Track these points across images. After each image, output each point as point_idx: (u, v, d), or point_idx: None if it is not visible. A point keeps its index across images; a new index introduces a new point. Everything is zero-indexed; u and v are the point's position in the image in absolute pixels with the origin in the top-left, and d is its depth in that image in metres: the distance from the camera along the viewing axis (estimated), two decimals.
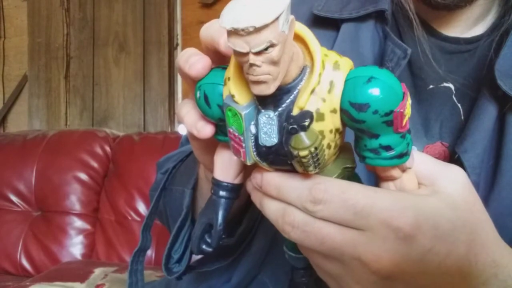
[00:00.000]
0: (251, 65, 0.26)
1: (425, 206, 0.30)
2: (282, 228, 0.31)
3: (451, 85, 0.51)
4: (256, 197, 0.34)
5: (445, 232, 0.30)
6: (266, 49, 0.25)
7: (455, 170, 0.32)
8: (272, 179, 0.32)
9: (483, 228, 0.32)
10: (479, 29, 0.51)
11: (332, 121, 0.29)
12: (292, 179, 0.31)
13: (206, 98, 0.32)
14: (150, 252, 1.37)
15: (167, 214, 0.61)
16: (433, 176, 0.32)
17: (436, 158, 0.34)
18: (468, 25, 0.51)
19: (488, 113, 0.46)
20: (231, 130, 0.31)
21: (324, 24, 0.54)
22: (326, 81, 0.28)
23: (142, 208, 1.45)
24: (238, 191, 0.37)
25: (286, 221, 0.31)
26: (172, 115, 1.92)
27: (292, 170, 0.31)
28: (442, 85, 0.52)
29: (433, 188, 0.31)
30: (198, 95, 0.33)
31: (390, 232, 0.28)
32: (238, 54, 0.26)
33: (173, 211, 0.58)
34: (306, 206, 0.30)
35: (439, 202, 0.30)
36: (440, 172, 0.32)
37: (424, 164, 0.32)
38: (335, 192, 0.29)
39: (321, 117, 0.28)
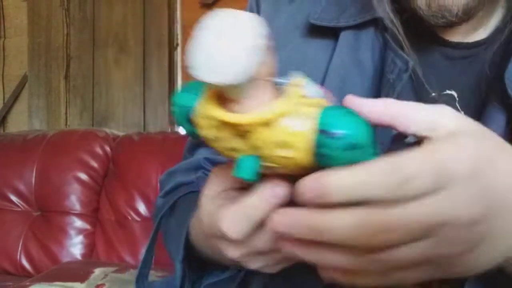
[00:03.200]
0: None
1: (466, 143, 0.30)
2: (369, 239, 0.27)
3: (454, 93, 0.50)
4: (309, 227, 0.28)
5: (493, 158, 0.30)
6: None
7: (443, 106, 0.32)
8: (337, 180, 0.27)
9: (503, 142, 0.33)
10: (481, 34, 0.50)
11: None
12: (357, 171, 0.27)
13: None
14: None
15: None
16: (431, 119, 0.31)
17: None
18: (470, 30, 0.50)
19: (497, 122, 0.45)
20: None
21: (321, 33, 0.53)
22: None
23: (142, 208, 1.45)
24: None
25: (375, 225, 0.27)
26: (172, 115, 1.91)
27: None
28: (445, 92, 0.51)
29: (443, 128, 0.31)
30: None
31: (465, 180, 0.28)
32: None
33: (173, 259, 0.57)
34: (396, 193, 0.27)
35: (468, 137, 0.30)
36: (435, 113, 0.31)
37: (416, 111, 0.32)
38: (414, 165, 0.27)
39: None
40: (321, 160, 0.29)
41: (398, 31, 0.48)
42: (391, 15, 0.48)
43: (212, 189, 0.38)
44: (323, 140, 0.28)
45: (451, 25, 0.46)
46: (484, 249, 0.31)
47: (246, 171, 0.30)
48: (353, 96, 0.32)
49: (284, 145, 0.28)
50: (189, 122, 0.32)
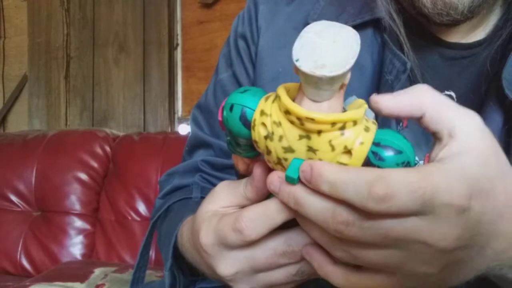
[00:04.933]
0: None
1: (467, 171, 0.30)
2: (334, 228, 0.30)
3: (452, 93, 0.51)
4: (289, 196, 0.32)
5: (487, 189, 0.30)
6: None
7: (469, 114, 0.32)
8: (326, 172, 0.29)
9: (509, 168, 0.32)
10: (480, 33, 0.50)
11: None
12: (347, 172, 0.29)
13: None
14: (150, 252, 1.37)
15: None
16: (450, 120, 0.32)
17: None
18: (469, 29, 0.50)
19: (494, 122, 0.45)
20: None
21: None
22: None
23: (142, 208, 1.45)
24: None
25: (339, 221, 0.29)
26: (172, 115, 1.92)
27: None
28: (443, 93, 0.51)
29: (457, 143, 0.31)
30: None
31: (452, 211, 0.28)
32: None
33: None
34: (367, 206, 0.28)
35: (473, 160, 0.30)
36: (460, 120, 0.32)
37: (442, 110, 0.32)
38: (400, 185, 0.27)
39: None
40: None
41: (399, 31, 0.48)
42: (394, 15, 0.48)
43: (220, 203, 0.38)
44: (378, 151, 0.31)
45: (455, 23, 0.46)
46: (460, 269, 0.31)
47: (295, 172, 0.31)
48: (380, 95, 0.33)
49: (346, 151, 0.31)
50: (245, 120, 0.33)
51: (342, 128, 0.30)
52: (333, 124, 0.30)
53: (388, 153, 0.31)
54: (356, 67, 0.50)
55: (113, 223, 1.46)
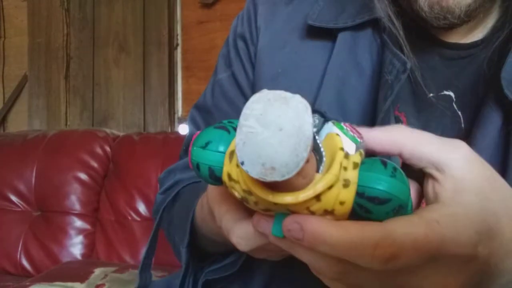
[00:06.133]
0: None
1: (471, 214, 0.28)
2: (330, 276, 0.29)
3: (451, 93, 0.50)
4: (281, 241, 0.30)
5: (494, 228, 0.29)
6: None
7: (457, 145, 0.31)
8: (323, 234, 0.26)
9: (509, 190, 0.31)
10: (478, 34, 0.50)
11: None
12: (347, 232, 0.26)
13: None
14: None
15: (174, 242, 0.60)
16: (432, 155, 0.31)
17: None
18: (467, 30, 0.50)
19: (493, 121, 0.45)
20: None
21: (319, 34, 0.53)
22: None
23: (142, 208, 1.45)
24: None
25: (335, 271, 0.28)
26: (172, 115, 1.92)
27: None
28: (442, 93, 0.51)
29: (451, 179, 0.30)
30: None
31: (459, 260, 0.28)
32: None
33: (176, 248, 0.56)
34: (372, 266, 0.26)
35: (475, 199, 0.29)
36: (443, 153, 0.31)
37: (422, 145, 0.31)
38: (406, 244, 0.26)
39: None
40: (361, 218, 0.29)
41: (398, 33, 0.48)
42: (393, 17, 0.48)
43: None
44: (364, 203, 0.28)
45: (452, 26, 0.46)
46: None
47: (281, 231, 0.29)
48: (363, 128, 0.32)
49: (327, 213, 0.28)
50: (216, 178, 0.31)
51: (317, 196, 0.27)
52: (305, 202, 0.27)
53: (375, 204, 0.28)
54: (356, 67, 0.51)
55: (113, 223, 1.46)
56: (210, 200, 0.39)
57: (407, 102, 0.51)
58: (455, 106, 0.50)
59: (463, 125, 0.50)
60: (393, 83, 0.47)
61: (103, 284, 1.09)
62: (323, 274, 0.30)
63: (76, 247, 1.45)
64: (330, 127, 0.31)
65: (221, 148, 0.30)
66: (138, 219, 1.45)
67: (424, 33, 0.51)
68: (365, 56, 0.51)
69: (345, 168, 0.28)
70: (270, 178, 0.24)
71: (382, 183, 0.28)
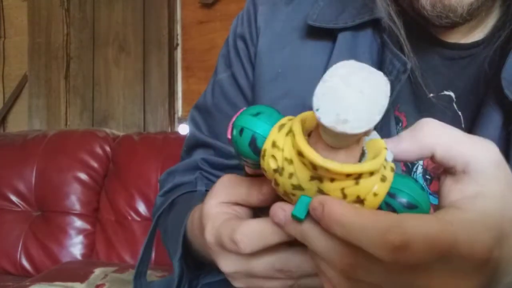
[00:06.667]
0: None
1: (488, 219, 0.28)
2: (340, 268, 0.29)
3: (451, 93, 0.50)
4: (296, 230, 0.31)
5: (507, 232, 0.29)
6: None
7: (485, 146, 0.30)
8: (338, 214, 0.27)
9: None
10: (479, 33, 0.50)
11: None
12: (361, 216, 0.27)
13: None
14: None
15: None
16: (464, 156, 0.30)
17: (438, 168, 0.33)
18: (468, 30, 0.50)
19: (494, 121, 0.45)
20: None
21: (320, 34, 0.53)
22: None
23: (142, 208, 1.45)
24: None
25: (346, 263, 0.28)
26: (172, 115, 1.92)
27: None
28: (442, 93, 0.51)
29: (474, 183, 0.29)
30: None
31: (471, 264, 0.27)
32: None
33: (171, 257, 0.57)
34: (380, 254, 0.26)
35: (494, 205, 0.29)
36: (474, 153, 0.30)
37: (453, 146, 0.30)
38: (417, 236, 0.26)
39: None
40: None
41: (399, 32, 0.48)
42: (394, 16, 0.48)
43: (220, 198, 0.38)
44: (393, 203, 0.30)
45: (454, 25, 0.46)
46: None
47: (302, 212, 0.30)
48: (389, 139, 0.31)
49: (359, 200, 0.29)
50: (255, 147, 0.31)
51: (357, 178, 0.28)
52: (348, 175, 0.28)
53: (403, 207, 0.29)
54: None
55: (113, 223, 1.46)
56: (204, 216, 0.39)
57: (407, 102, 0.51)
58: (455, 106, 0.50)
59: (463, 125, 0.50)
60: (393, 83, 0.47)
61: (103, 284, 1.09)
62: (334, 267, 0.30)
63: (76, 247, 1.45)
64: (374, 135, 0.32)
65: (270, 121, 0.31)
66: (138, 219, 1.45)
67: (425, 33, 0.51)
68: (365, 56, 0.51)
69: (384, 167, 0.30)
70: (341, 129, 0.25)
71: (414, 191, 0.30)
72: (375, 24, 0.51)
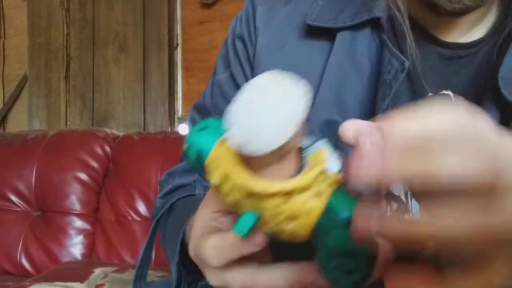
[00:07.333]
0: None
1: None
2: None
3: (450, 93, 0.50)
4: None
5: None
6: None
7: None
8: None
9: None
10: (477, 33, 0.50)
11: None
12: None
13: None
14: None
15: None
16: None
17: None
18: (466, 30, 0.50)
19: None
20: None
21: (318, 34, 0.53)
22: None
23: (142, 208, 1.45)
24: None
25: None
26: (172, 115, 1.92)
27: None
28: (441, 92, 0.51)
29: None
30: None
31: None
32: None
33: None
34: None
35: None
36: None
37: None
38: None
39: None
40: (318, 235, 0.29)
41: (404, 21, 0.48)
42: (401, 5, 0.48)
43: (211, 207, 0.38)
44: (329, 221, 0.28)
45: (465, 11, 0.46)
46: None
47: (243, 228, 0.29)
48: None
49: (292, 218, 0.28)
50: (200, 163, 0.31)
51: (287, 195, 0.27)
52: (275, 194, 0.27)
53: (342, 224, 0.28)
54: (355, 67, 0.51)
55: (113, 223, 1.46)
56: (192, 229, 0.39)
57: (405, 101, 0.51)
58: None
59: None
60: (392, 82, 0.47)
61: (103, 284, 1.09)
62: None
63: (76, 247, 1.45)
64: (321, 144, 0.31)
65: (216, 135, 0.30)
66: (138, 219, 1.45)
67: (423, 33, 0.51)
68: (364, 56, 0.51)
69: (322, 182, 0.28)
70: (248, 149, 0.24)
71: (352, 204, 0.28)
72: (374, 23, 0.51)
